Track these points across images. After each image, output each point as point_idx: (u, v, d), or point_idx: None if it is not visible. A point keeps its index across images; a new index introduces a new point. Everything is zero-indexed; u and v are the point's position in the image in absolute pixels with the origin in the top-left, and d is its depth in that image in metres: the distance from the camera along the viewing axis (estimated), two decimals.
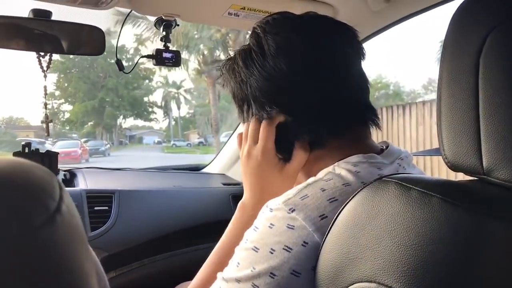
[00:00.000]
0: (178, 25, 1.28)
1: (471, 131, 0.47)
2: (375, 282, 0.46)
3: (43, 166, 0.32)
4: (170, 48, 1.29)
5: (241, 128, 0.83)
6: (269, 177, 0.77)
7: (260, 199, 0.77)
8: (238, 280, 0.59)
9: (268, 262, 0.57)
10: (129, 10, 1.19)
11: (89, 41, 1.23)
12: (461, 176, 0.51)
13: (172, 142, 35.41)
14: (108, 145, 28.88)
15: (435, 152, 1.52)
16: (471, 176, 0.50)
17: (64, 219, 0.29)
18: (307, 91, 0.70)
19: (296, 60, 0.70)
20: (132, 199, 1.49)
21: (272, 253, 0.57)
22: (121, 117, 34.95)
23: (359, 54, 0.75)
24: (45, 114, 1.29)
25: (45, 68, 1.23)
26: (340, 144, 0.71)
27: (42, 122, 1.28)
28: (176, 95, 38.27)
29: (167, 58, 1.29)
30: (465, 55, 0.48)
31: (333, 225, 0.53)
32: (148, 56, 1.29)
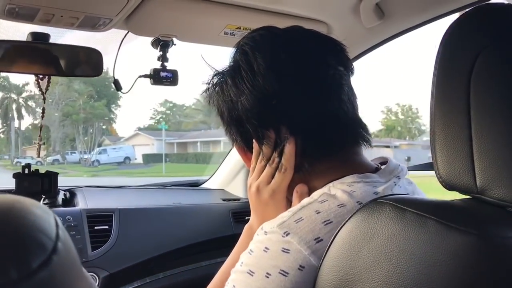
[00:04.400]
0: (175, 44, 1.29)
1: (464, 150, 0.48)
2: None
3: (40, 203, 0.32)
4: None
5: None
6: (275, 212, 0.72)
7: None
8: None
9: (264, 287, 0.56)
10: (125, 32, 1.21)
11: (87, 62, 1.25)
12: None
13: (15, 160, 27.19)
14: None
15: (429, 167, 1.52)
16: (465, 195, 0.50)
17: (60, 258, 0.29)
18: (300, 109, 0.69)
19: (287, 78, 0.68)
20: (132, 217, 1.49)
21: (268, 277, 0.56)
22: None
23: (349, 69, 0.73)
24: (39, 136, 1.30)
25: (44, 90, 1.24)
26: (331, 165, 0.69)
27: (34, 143, 1.31)
28: (19, 101, 29.40)
29: (164, 77, 1.30)
30: (457, 75, 0.49)
31: (330, 248, 0.54)
32: (145, 76, 1.30)
